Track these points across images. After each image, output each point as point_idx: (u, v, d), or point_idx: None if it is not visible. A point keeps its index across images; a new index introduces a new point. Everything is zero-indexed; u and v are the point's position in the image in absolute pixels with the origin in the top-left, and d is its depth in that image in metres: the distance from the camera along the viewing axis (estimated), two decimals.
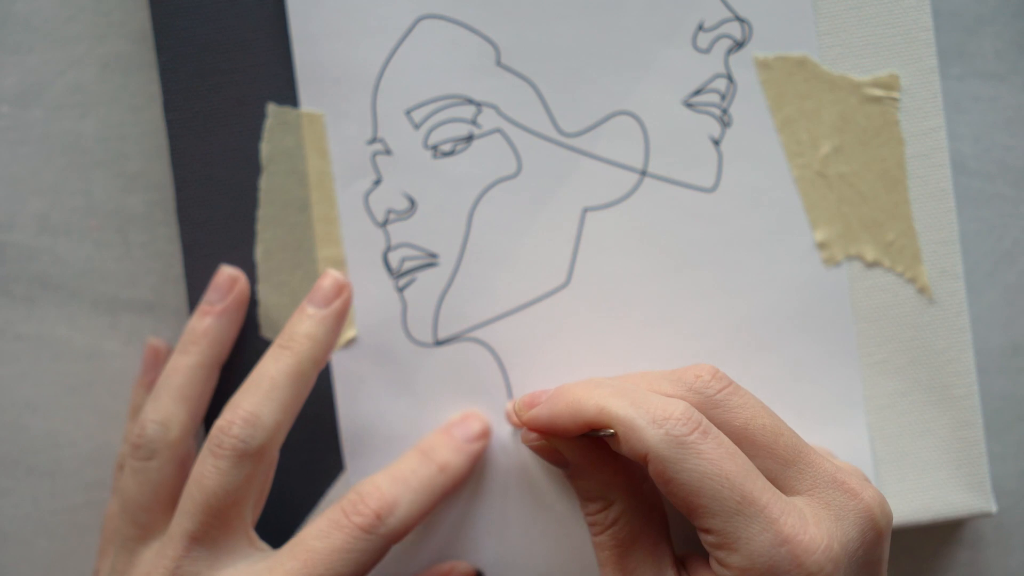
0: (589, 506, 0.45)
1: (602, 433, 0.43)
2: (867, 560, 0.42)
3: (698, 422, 0.42)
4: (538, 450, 0.46)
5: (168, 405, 0.49)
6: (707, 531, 0.41)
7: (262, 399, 0.47)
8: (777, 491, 0.42)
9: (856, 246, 0.52)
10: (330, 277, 0.50)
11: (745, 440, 0.43)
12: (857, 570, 0.42)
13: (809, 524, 0.41)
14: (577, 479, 0.45)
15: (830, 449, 0.51)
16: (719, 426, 0.43)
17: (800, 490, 0.42)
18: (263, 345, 0.53)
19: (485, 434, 0.52)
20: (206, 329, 0.51)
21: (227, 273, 0.52)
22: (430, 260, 0.52)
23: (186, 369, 0.50)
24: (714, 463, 0.41)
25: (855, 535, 0.42)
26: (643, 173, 0.52)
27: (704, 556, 0.44)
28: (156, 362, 0.54)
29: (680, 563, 0.45)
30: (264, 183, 0.53)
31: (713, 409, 0.43)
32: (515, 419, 0.47)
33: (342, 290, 0.50)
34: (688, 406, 0.42)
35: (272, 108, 0.53)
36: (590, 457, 0.45)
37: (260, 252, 0.53)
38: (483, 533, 0.52)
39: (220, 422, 0.47)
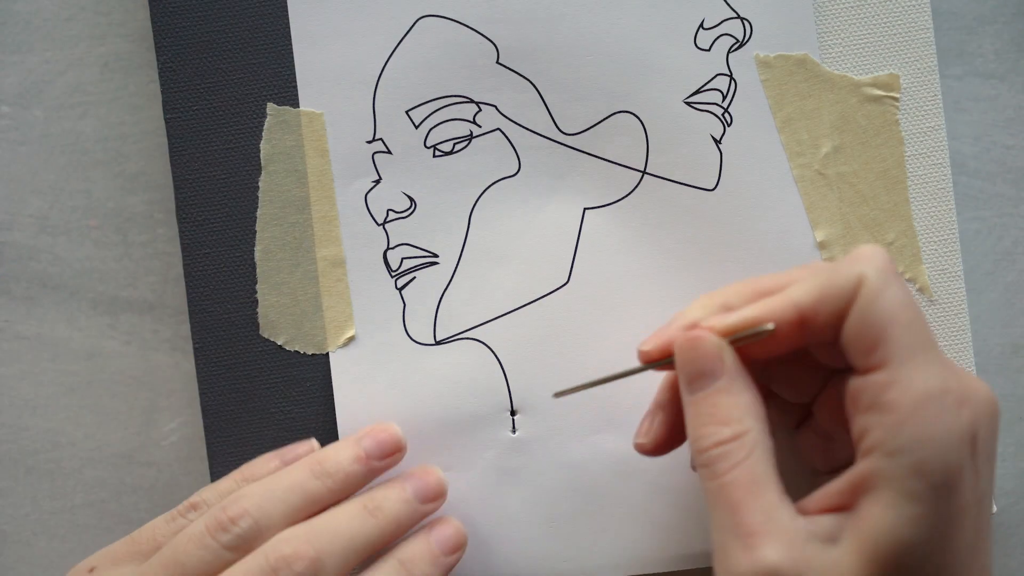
0: (722, 431, 0.42)
1: (760, 329, 0.42)
2: (988, 451, 0.42)
3: (891, 257, 0.42)
4: (702, 358, 0.43)
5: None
6: (880, 367, 0.41)
7: (337, 551, 0.46)
8: None
9: (856, 246, 0.52)
10: (439, 480, 0.50)
11: None
12: (985, 458, 0.42)
13: (964, 381, 0.41)
14: (719, 396, 0.43)
15: None
16: None
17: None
18: (263, 344, 0.53)
19: (461, 546, 0.51)
20: (354, 476, 0.49)
21: (395, 437, 0.51)
22: (430, 259, 0.52)
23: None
24: (909, 298, 0.41)
25: (985, 415, 0.42)
26: (643, 172, 0.52)
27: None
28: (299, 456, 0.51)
29: None
30: (264, 183, 0.53)
31: None
32: (703, 333, 0.44)
33: (441, 494, 0.50)
34: (879, 247, 0.43)
35: (272, 108, 0.53)
36: (745, 371, 0.43)
37: (260, 251, 0.53)
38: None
39: (286, 549, 0.45)
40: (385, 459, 0.50)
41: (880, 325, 0.41)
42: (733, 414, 0.43)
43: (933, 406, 0.40)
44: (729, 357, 0.43)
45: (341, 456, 0.49)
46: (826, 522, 0.41)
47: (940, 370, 0.40)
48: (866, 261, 0.42)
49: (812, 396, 0.47)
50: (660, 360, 0.45)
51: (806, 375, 0.46)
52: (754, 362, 0.44)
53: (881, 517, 0.40)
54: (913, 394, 0.40)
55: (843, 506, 0.41)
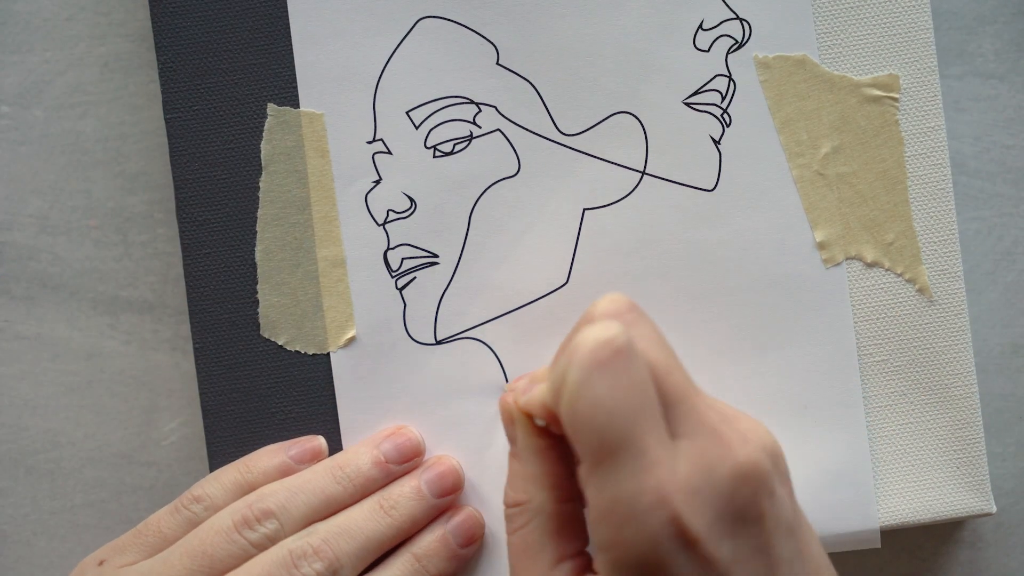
0: (509, 496, 0.45)
1: (537, 422, 0.44)
2: (743, 517, 0.40)
3: (609, 340, 0.40)
4: (505, 421, 0.46)
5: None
6: (582, 461, 0.40)
7: (353, 550, 0.48)
8: (663, 434, 0.40)
9: (856, 246, 0.52)
10: (454, 471, 0.51)
11: None
12: (731, 527, 0.40)
13: (678, 474, 0.39)
14: (514, 461, 0.45)
15: (829, 449, 0.51)
16: None
17: (680, 434, 0.41)
18: (263, 344, 0.53)
19: (478, 536, 0.52)
20: (373, 480, 0.51)
21: (413, 441, 0.52)
22: (430, 259, 0.52)
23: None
24: (614, 392, 0.39)
25: (725, 490, 0.40)
26: (643, 173, 0.52)
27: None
28: (306, 451, 0.53)
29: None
30: (264, 183, 0.53)
31: None
32: (507, 400, 0.46)
33: (458, 486, 0.51)
34: (607, 324, 0.40)
35: (272, 108, 0.53)
36: (535, 444, 0.44)
37: (260, 252, 0.53)
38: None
39: (306, 547, 0.48)
40: (403, 463, 0.51)
41: (572, 427, 0.40)
42: (518, 483, 0.44)
43: (620, 511, 0.39)
44: (521, 430, 0.44)
45: (360, 460, 0.51)
46: None
47: (633, 472, 0.39)
48: (571, 356, 0.40)
49: None
50: None
51: None
52: None
53: None
54: (601, 500, 0.40)
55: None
